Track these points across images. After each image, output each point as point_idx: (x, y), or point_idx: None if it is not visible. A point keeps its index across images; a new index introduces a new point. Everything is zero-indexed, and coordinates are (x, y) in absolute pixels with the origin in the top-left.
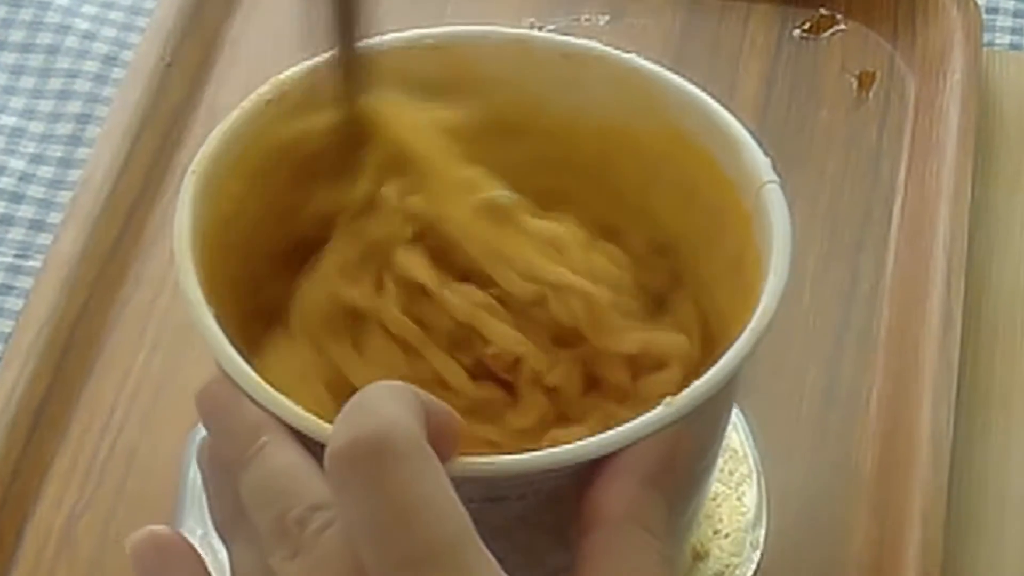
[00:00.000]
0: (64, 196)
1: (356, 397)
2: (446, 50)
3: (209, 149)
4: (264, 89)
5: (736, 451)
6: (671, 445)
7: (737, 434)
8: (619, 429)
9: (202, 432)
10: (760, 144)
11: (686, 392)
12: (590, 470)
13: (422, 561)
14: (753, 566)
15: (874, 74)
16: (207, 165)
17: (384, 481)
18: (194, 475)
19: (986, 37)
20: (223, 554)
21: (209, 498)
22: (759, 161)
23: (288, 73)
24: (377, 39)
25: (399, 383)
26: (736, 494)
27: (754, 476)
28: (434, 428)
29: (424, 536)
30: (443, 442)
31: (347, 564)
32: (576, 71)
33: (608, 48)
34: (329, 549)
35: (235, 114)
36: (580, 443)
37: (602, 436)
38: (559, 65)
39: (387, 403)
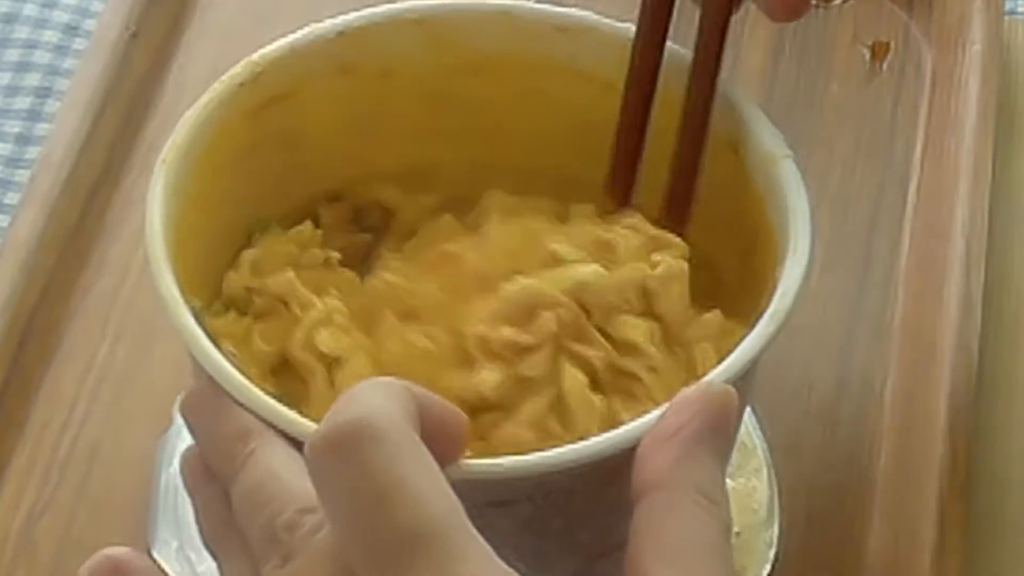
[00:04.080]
0: (22, 175)
1: (345, 392)
2: (431, 24)
3: (179, 137)
4: (237, 71)
5: (745, 444)
6: (719, 404)
7: (745, 426)
8: (629, 426)
9: (172, 435)
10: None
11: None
12: (601, 470)
13: (405, 547)
14: (768, 565)
15: (888, 44)
16: (178, 154)
17: (360, 463)
18: (166, 483)
19: (1008, 5)
20: (201, 567)
21: (196, 511)
22: (772, 135)
23: (262, 53)
24: (356, 14)
25: (392, 379)
26: (746, 490)
27: (764, 470)
28: (431, 425)
29: (405, 520)
30: (443, 441)
31: (339, 566)
32: (570, 45)
33: (603, 18)
34: (319, 552)
35: (206, 98)
36: (590, 441)
37: (614, 433)
38: (552, 39)
39: (372, 395)
